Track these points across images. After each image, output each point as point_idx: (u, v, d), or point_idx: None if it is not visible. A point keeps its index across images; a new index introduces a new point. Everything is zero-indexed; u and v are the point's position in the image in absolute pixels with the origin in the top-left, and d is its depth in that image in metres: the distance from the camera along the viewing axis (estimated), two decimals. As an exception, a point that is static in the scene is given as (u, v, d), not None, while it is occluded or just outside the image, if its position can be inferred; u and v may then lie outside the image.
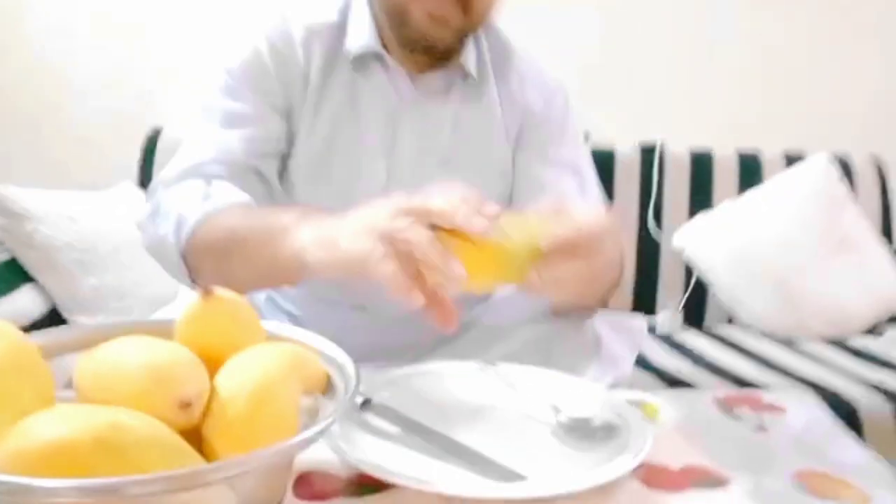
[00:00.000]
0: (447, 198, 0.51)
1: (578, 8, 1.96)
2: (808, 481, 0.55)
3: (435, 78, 0.86)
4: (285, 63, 0.83)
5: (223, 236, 0.70)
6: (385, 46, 0.85)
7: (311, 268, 0.58)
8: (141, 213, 0.78)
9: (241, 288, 0.54)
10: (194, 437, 0.44)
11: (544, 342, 0.84)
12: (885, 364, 1.48)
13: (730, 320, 1.76)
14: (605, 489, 0.51)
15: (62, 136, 1.97)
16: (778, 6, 2.00)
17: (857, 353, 1.56)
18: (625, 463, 0.53)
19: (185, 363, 0.45)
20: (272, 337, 0.54)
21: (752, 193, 1.76)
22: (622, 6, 1.98)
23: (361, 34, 0.84)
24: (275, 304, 0.95)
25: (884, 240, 1.79)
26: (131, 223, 0.82)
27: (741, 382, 1.37)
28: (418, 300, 0.51)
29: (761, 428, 0.65)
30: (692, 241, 1.74)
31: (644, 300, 1.78)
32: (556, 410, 0.62)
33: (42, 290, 1.44)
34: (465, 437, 0.58)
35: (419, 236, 0.50)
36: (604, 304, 0.83)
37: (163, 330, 0.50)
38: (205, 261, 0.72)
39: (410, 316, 0.74)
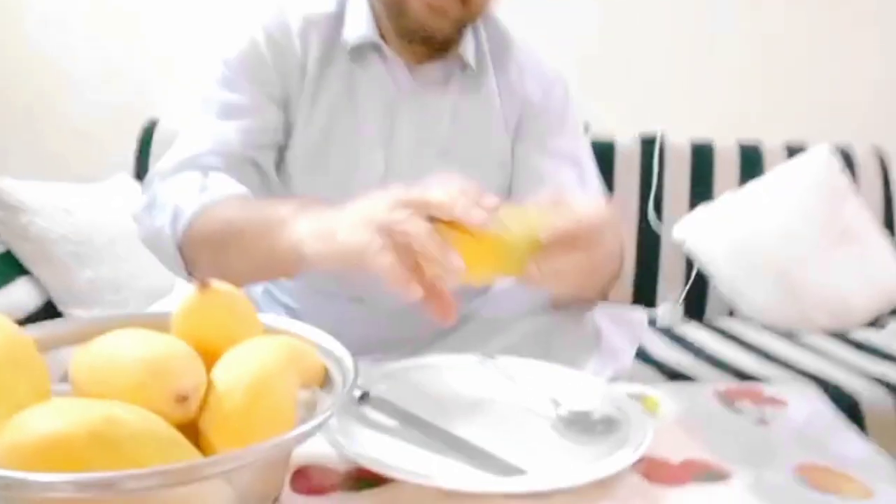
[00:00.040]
0: (445, 189, 0.51)
1: (578, -2, 1.95)
2: (809, 475, 0.55)
3: (433, 69, 0.85)
4: (282, 54, 0.82)
5: (220, 228, 0.69)
6: (383, 37, 0.84)
7: (309, 260, 0.58)
8: (137, 205, 0.78)
9: (238, 280, 0.53)
10: (191, 430, 0.44)
11: (544, 335, 0.83)
12: (887, 357, 1.48)
13: (731, 313, 1.76)
14: (604, 483, 0.51)
15: (58, 128, 1.96)
16: (779, -3, 1.99)
17: (859, 346, 1.55)
18: (625, 457, 0.53)
19: (182, 356, 0.45)
20: (269, 330, 0.53)
21: (753, 185, 1.75)
22: (623, -3, 1.97)
23: (359, 24, 0.83)
24: (272, 297, 0.94)
25: (886, 231, 1.78)
26: (127, 215, 0.82)
27: (742, 375, 1.37)
28: (416, 293, 0.50)
29: (762, 421, 0.64)
30: (693, 233, 1.74)
31: (644, 293, 1.78)
32: (556, 404, 0.62)
33: (37, 282, 1.44)
34: (464, 430, 0.58)
35: (417, 228, 0.50)
36: (604, 296, 0.82)
37: (159, 323, 0.50)
38: (201, 253, 0.71)
39: (409, 309, 0.74)
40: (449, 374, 0.69)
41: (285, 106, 0.83)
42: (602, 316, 0.87)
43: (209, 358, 0.47)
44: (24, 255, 1.43)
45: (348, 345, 0.52)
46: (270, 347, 0.48)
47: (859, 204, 1.75)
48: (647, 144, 1.80)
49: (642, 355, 1.46)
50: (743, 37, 2.00)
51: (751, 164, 1.80)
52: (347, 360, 0.50)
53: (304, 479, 0.52)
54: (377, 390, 0.62)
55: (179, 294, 0.54)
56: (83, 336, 0.48)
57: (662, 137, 1.80)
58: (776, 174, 1.75)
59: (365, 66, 0.84)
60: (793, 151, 1.80)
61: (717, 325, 1.70)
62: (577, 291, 0.76)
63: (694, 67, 2.00)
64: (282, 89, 0.82)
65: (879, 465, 0.57)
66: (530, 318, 0.85)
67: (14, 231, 1.41)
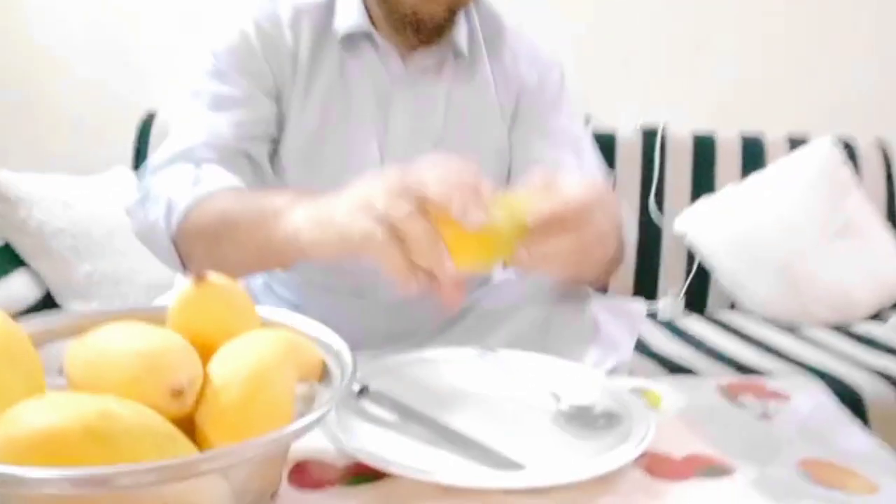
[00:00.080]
0: (443, 176, 0.50)
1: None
2: (813, 470, 0.54)
3: (426, 56, 0.84)
4: (273, 45, 0.81)
5: (215, 221, 0.68)
6: (374, 25, 0.83)
7: (306, 249, 0.57)
8: (130, 198, 0.77)
9: (234, 272, 0.53)
10: (187, 425, 0.43)
11: (542, 326, 0.83)
12: (889, 350, 1.48)
13: (732, 306, 1.76)
14: (606, 478, 0.51)
15: (56, 120, 1.95)
16: (781, -13, 1.98)
17: (861, 339, 1.55)
18: (627, 452, 0.53)
19: (178, 350, 0.44)
20: (267, 323, 0.53)
21: (755, 177, 1.74)
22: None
23: (350, 13, 0.82)
24: (271, 291, 0.94)
25: (888, 224, 1.77)
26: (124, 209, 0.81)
27: (743, 369, 1.36)
28: (416, 286, 0.50)
29: (765, 416, 0.64)
30: (694, 225, 1.73)
31: (645, 285, 1.78)
32: (557, 398, 0.61)
33: (36, 275, 1.44)
34: (464, 424, 0.57)
35: (416, 229, 0.49)
36: (604, 279, 0.81)
37: (155, 316, 0.49)
38: (196, 246, 0.70)
39: (408, 302, 0.73)
40: (448, 367, 0.69)
41: (277, 97, 0.82)
42: (601, 308, 0.87)
43: (206, 352, 0.46)
44: (22, 248, 1.43)
45: (347, 338, 0.51)
46: (268, 341, 0.47)
47: (862, 197, 1.74)
48: (649, 136, 1.79)
49: (643, 348, 1.45)
50: (744, 27, 1.99)
51: (753, 156, 1.79)
52: (346, 353, 0.50)
53: (303, 473, 0.52)
54: (376, 384, 0.62)
55: (179, 288, 0.53)
56: (79, 329, 0.47)
57: (664, 129, 1.79)
58: (778, 167, 1.74)
59: (357, 55, 0.83)
60: (795, 144, 1.80)
61: (719, 318, 1.70)
62: (572, 274, 0.76)
63: (695, 59, 1.99)
64: (274, 81, 0.81)
65: (883, 459, 0.57)
66: (529, 308, 0.85)
67: (13, 224, 1.40)
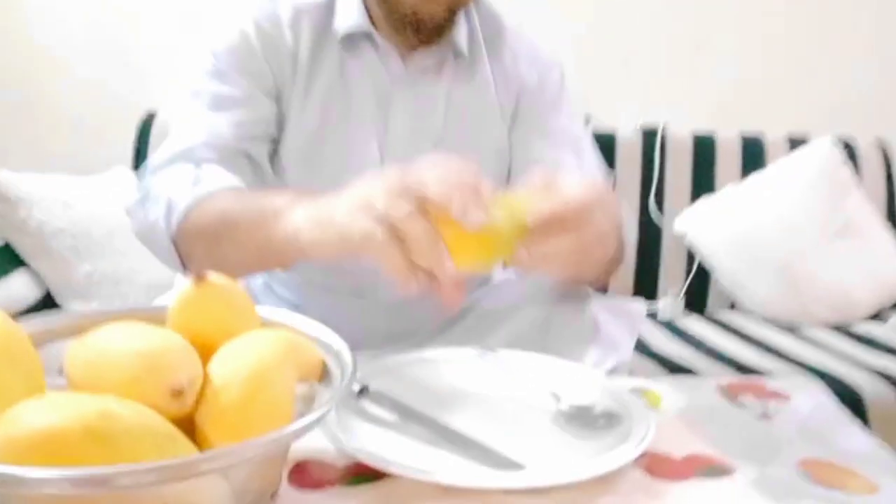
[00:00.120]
0: (443, 177, 0.49)
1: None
2: (813, 470, 0.54)
3: (426, 56, 0.84)
4: (273, 45, 0.81)
5: (215, 220, 0.68)
6: (374, 25, 0.83)
7: (306, 249, 0.57)
8: (130, 199, 0.77)
9: (234, 272, 0.53)
10: (187, 425, 0.43)
11: (542, 326, 0.83)
12: (889, 350, 1.47)
13: (732, 306, 1.76)
14: (606, 478, 0.51)
15: (56, 120, 1.95)
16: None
17: (861, 340, 1.55)
18: (627, 452, 0.52)
19: (178, 350, 0.44)
20: (267, 323, 0.53)
21: (755, 177, 1.74)
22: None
23: (350, 13, 0.82)
24: (272, 291, 0.94)
25: (888, 224, 1.77)
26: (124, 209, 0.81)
27: (743, 369, 1.36)
28: (416, 287, 0.50)
29: (765, 416, 0.64)
30: (694, 225, 1.73)
31: (645, 285, 1.77)
32: (557, 398, 0.61)
33: (36, 276, 1.44)
34: (464, 424, 0.57)
35: (416, 230, 0.49)
36: (605, 279, 0.81)
37: (155, 316, 0.49)
38: (196, 246, 0.70)
39: (408, 302, 0.73)
40: (448, 368, 0.69)
41: (278, 97, 0.82)
42: (601, 308, 0.87)
43: (206, 352, 0.46)
44: (22, 248, 1.43)
45: (347, 338, 0.51)
46: (268, 341, 0.47)
47: (862, 197, 1.74)
48: (649, 136, 1.79)
49: (643, 348, 1.45)
50: (744, 27, 1.98)
51: (753, 156, 1.79)
52: (346, 353, 0.50)
53: (303, 473, 0.52)
54: (376, 384, 0.62)
55: (180, 288, 0.53)
56: (78, 329, 0.47)
57: (664, 129, 1.79)
58: (778, 167, 1.74)
59: (357, 55, 0.83)
60: (795, 144, 1.80)
61: (719, 318, 1.70)
62: (572, 274, 0.76)
63: (695, 59, 1.99)
64: (274, 81, 0.81)
65: (884, 459, 0.57)
66: (529, 308, 0.85)
67: (13, 224, 1.40)
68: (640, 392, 0.66)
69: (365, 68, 0.83)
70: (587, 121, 1.78)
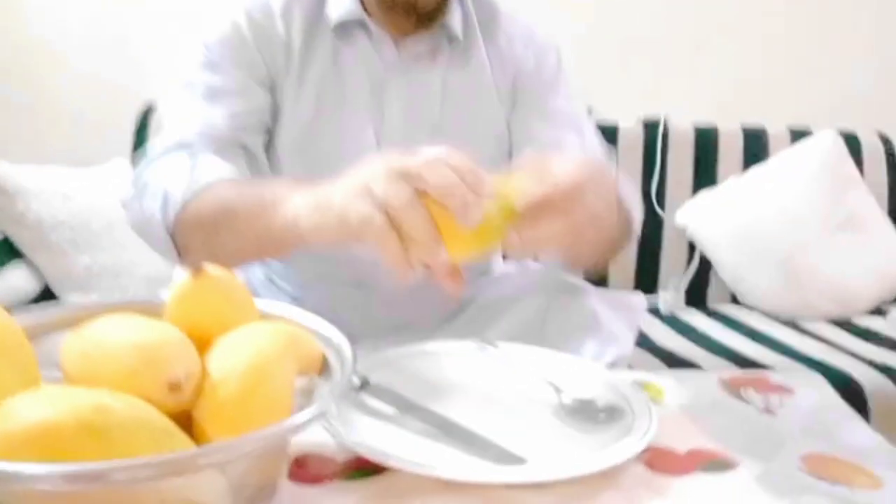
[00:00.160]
0: (443, 171, 0.49)
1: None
2: (817, 465, 0.54)
3: (420, 42, 0.84)
4: (266, 35, 0.81)
5: (212, 211, 0.68)
6: (367, 11, 0.82)
7: (305, 234, 0.56)
8: (126, 191, 0.77)
9: (232, 262, 0.52)
10: (185, 419, 0.42)
11: (542, 317, 0.83)
12: (890, 344, 1.47)
13: (733, 299, 1.75)
14: (608, 473, 0.50)
15: (55, 112, 1.94)
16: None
17: (862, 333, 1.54)
18: (629, 446, 0.52)
19: (175, 343, 0.44)
20: (266, 316, 0.52)
21: (756, 170, 1.74)
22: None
23: (342, 0, 0.81)
24: (273, 285, 0.93)
25: (890, 219, 1.76)
26: (120, 201, 0.81)
27: (744, 362, 1.36)
28: (412, 275, 0.49)
29: (768, 410, 0.63)
30: (695, 218, 1.72)
31: (646, 278, 1.77)
32: (558, 391, 0.61)
33: (34, 268, 1.43)
34: (465, 418, 0.57)
35: (413, 220, 0.48)
36: (610, 257, 0.80)
37: (152, 309, 0.48)
38: (194, 236, 0.70)
39: (408, 293, 0.73)
40: (449, 361, 0.68)
41: (271, 88, 0.82)
42: (601, 301, 0.87)
43: (204, 345, 0.46)
44: (21, 240, 1.42)
45: (348, 330, 0.51)
46: (267, 333, 0.47)
47: (864, 190, 1.73)
48: (650, 129, 1.78)
49: (643, 342, 1.45)
50: (747, 20, 1.97)
51: (755, 148, 1.78)
52: (346, 346, 0.49)
53: (302, 468, 0.51)
54: (376, 378, 0.61)
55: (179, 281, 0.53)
56: (75, 321, 0.47)
57: (665, 122, 1.78)
58: (780, 159, 1.73)
59: (350, 42, 0.83)
60: (797, 136, 1.79)
61: (719, 311, 1.69)
62: (567, 256, 0.75)
63: (697, 51, 1.98)
64: (267, 71, 0.81)
65: (888, 454, 0.56)
66: (529, 300, 0.85)
67: (11, 217, 1.40)
68: (642, 386, 0.65)
69: (358, 56, 0.83)
70: (589, 112, 1.76)
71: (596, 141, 0.89)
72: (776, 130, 1.81)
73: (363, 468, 0.51)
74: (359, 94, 0.82)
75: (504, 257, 1.03)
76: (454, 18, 0.84)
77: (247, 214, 0.64)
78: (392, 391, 0.60)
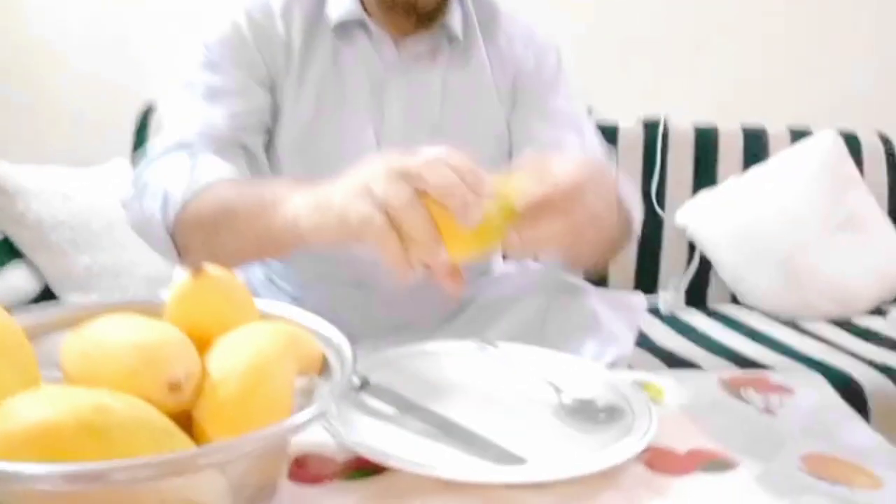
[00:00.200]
0: (443, 171, 0.49)
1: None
2: (817, 465, 0.54)
3: (420, 42, 0.84)
4: (265, 35, 0.81)
5: (212, 210, 0.68)
6: (367, 11, 0.82)
7: (305, 234, 0.56)
8: (126, 192, 0.77)
9: (232, 262, 0.52)
10: (185, 419, 0.42)
11: (542, 317, 0.83)
12: (889, 344, 1.47)
13: (733, 299, 1.75)
14: (608, 473, 0.50)
15: (55, 112, 1.94)
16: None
17: (862, 334, 1.54)
18: (630, 446, 0.52)
19: (175, 343, 0.44)
20: (266, 316, 0.52)
21: (756, 170, 1.73)
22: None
23: (342, 0, 0.81)
24: (273, 285, 0.93)
25: (890, 219, 1.76)
26: (119, 201, 0.81)
27: (744, 362, 1.36)
28: (411, 275, 0.49)
29: (768, 410, 0.63)
30: (695, 218, 1.72)
31: (646, 278, 1.77)
32: (558, 391, 0.61)
33: (34, 268, 1.43)
34: (465, 418, 0.57)
35: (413, 220, 0.48)
36: (609, 258, 0.80)
37: (152, 309, 0.48)
38: (194, 236, 0.70)
39: (408, 293, 0.73)
40: (449, 361, 0.68)
41: (271, 88, 0.81)
42: (601, 301, 0.87)
43: (204, 345, 0.46)
44: (21, 240, 1.42)
45: (348, 330, 0.51)
46: (267, 333, 0.47)
47: (864, 190, 1.73)
48: (650, 129, 1.78)
49: (643, 342, 1.45)
50: (747, 19, 1.97)
51: (755, 148, 1.78)
52: (346, 346, 0.49)
53: (302, 468, 0.51)
54: (376, 378, 0.61)
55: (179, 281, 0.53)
56: (75, 321, 0.47)
57: (665, 122, 1.78)
58: (780, 159, 1.73)
59: (350, 42, 0.83)
60: (797, 136, 1.78)
61: (719, 311, 1.69)
62: (567, 256, 0.75)
63: (697, 51, 1.98)
64: (267, 71, 0.81)
65: (888, 455, 0.56)
66: (529, 300, 0.85)
67: (11, 217, 1.40)
68: (642, 386, 0.65)
69: (358, 56, 0.83)
70: (589, 112, 1.76)
71: (596, 141, 0.89)
72: (776, 130, 1.81)
73: (363, 468, 0.51)
74: (359, 94, 0.82)
75: (504, 257, 1.03)
76: (454, 18, 0.84)
77: (247, 214, 0.64)
78: (392, 391, 0.60)
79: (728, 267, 1.70)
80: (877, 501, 0.50)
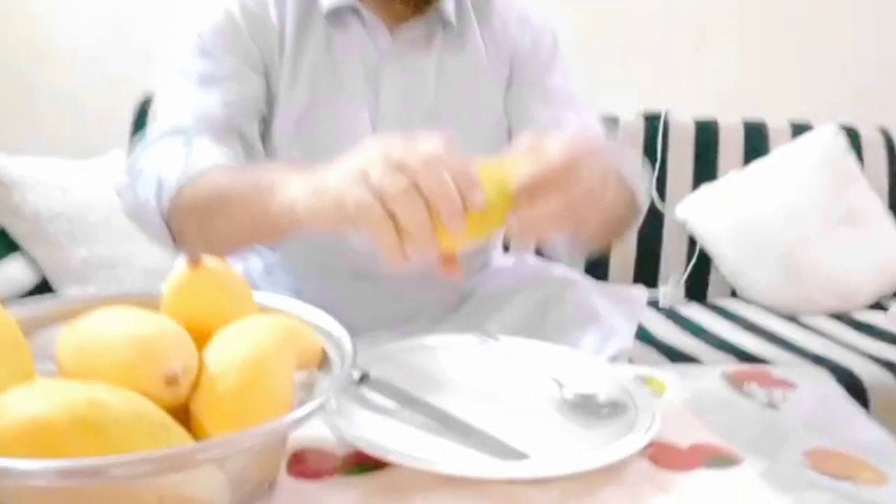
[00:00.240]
0: (439, 175, 0.48)
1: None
2: (821, 460, 0.53)
3: (414, 28, 0.83)
4: (259, 23, 0.80)
5: (207, 196, 0.67)
6: None
7: (302, 219, 0.55)
8: (120, 178, 0.76)
9: (227, 247, 0.51)
10: (182, 414, 0.42)
11: (541, 308, 0.83)
12: (890, 338, 1.47)
13: (733, 293, 1.75)
14: (611, 468, 0.50)
15: (53, 103, 1.93)
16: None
17: (862, 328, 1.54)
18: (633, 441, 0.51)
19: (172, 336, 0.43)
20: (264, 309, 0.51)
21: (757, 164, 1.73)
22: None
23: None
24: (271, 276, 0.92)
25: (890, 213, 1.76)
26: (114, 188, 0.80)
27: (744, 357, 1.35)
28: (405, 263, 0.48)
29: (771, 405, 0.63)
30: (696, 212, 1.72)
31: (646, 272, 1.76)
32: (560, 386, 0.60)
33: (31, 261, 1.42)
34: (466, 413, 0.56)
35: (408, 209, 0.47)
36: (619, 233, 0.79)
37: (149, 301, 0.48)
38: (189, 222, 0.69)
39: (408, 286, 0.72)
40: (450, 355, 0.68)
41: (266, 75, 0.81)
42: (601, 294, 0.86)
43: (201, 338, 0.45)
44: (17, 232, 1.41)
45: (348, 323, 0.50)
46: (265, 327, 0.46)
47: (865, 185, 1.73)
48: (651, 122, 1.78)
49: (643, 336, 1.45)
50: (747, 14, 1.96)
51: (755, 143, 1.78)
52: (346, 340, 0.49)
53: (302, 463, 0.51)
54: (376, 371, 0.60)
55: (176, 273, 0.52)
56: (70, 314, 0.46)
57: (666, 115, 1.77)
58: (781, 153, 1.73)
59: (343, 29, 0.82)
60: (798, 131, 1.78)
61: (720, 305, 1.69)
62: (573, 238, 0.74)
63: (698, 45, 1.97)
64: (261, 59, 0.80)
65: (892, 450, 0.56)
66: (529, 292, 0.84)
67: (7, 208, 1.39)
68: (644, 380, 0.65)
69: (352, 43, 0.82)
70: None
71: (594, 119, 0.89)
72: (777, 124, 1.80)
73: (363, 463, 0.50)
74: (354, 82, 0.82)
75: (506, 248, 1.02)
76: (448, 3, 0.83)
77: (242, 199, 0.63)
78: (392, 385, 0.59)
79: (728, 261, 1.70)
80: (881, 497, 0.49)
